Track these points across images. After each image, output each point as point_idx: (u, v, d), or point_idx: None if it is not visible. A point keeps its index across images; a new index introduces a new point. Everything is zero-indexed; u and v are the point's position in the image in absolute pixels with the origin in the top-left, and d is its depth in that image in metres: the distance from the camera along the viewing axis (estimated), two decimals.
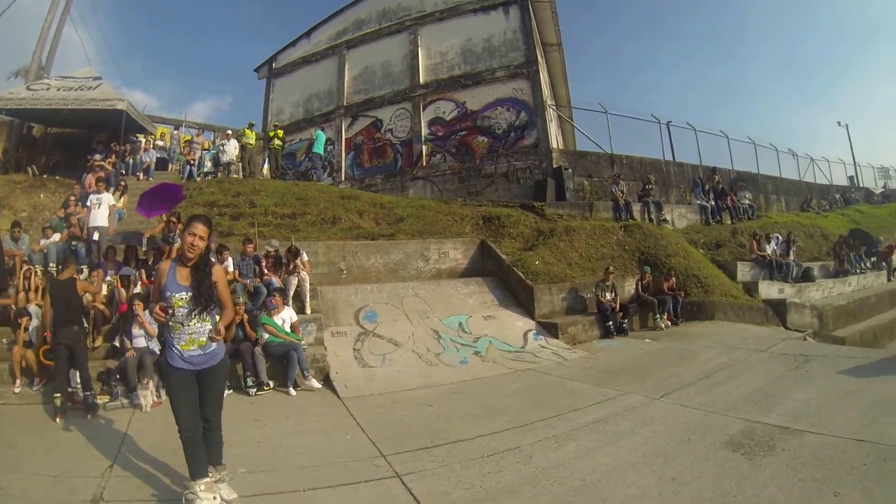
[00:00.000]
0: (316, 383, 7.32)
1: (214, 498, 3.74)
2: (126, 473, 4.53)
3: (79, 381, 6.56)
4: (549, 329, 9.76)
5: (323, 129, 19.96)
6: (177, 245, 8.91)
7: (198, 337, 3.79)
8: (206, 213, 9.32)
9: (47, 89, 16.70)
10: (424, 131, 19.87)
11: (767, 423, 5.04)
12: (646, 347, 9.38)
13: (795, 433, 4.66)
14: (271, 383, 7.28)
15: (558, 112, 20.97)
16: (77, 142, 18.35)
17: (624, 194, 15.53)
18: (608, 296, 10.51)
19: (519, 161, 17.77)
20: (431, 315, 9.65)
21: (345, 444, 5.07)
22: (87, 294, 7.34)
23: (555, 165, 16.93)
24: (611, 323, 10.22)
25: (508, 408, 5.99)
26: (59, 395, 6.24)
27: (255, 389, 7.10)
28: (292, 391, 7.11)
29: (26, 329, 7.34)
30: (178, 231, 9.50)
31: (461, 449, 4.72)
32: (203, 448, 3.78)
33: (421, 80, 20.32)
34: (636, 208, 15.45)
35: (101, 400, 6.73)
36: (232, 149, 16.92)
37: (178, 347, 3.78)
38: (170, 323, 3.79)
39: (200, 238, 3.82)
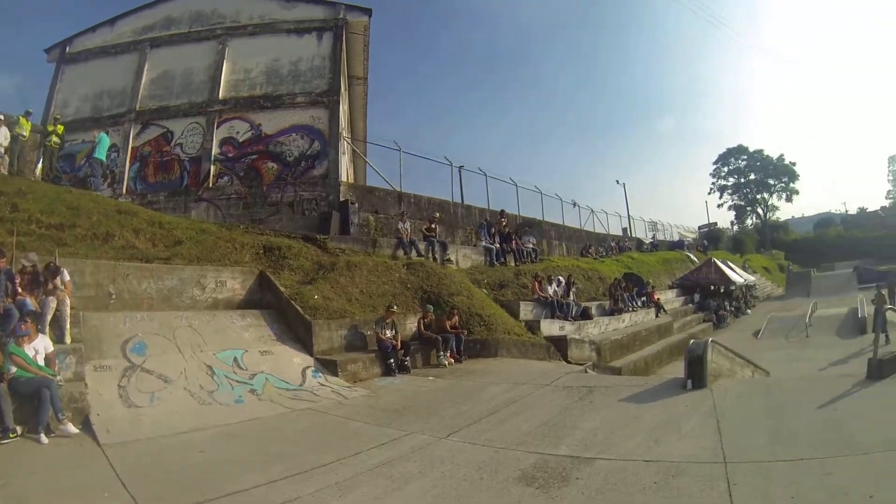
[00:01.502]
0: (72, 428, 6.32)
1: None
2: None
3: None
4: (329, 366, 9.71)
5: (108, 133, 18.10)
6: None
7: None
8: None
9: None
10: (215, 150, 19.45)
11: (559, 454, 5.21)
12: (430, 385, 9.59)
13: (587, 461, 4.92)
14: (18, 429, 6.07)
15: (352, 146, 21.75)
16: None
17: (409, 232, 16.39)
18: (388, 333, 10.76)
19: (306, 191, 18.11)
20: (206, 348, 9.05)
21: None
22: None
23: (342, 199, 17.45)
24: (392, 360, 10.37)
25: (287, 452, 5.67)
26: None
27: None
28: (43, 438, 6.02)
29: None
30: None
31: (238, 501, 4.38)
32: None
33: (220, 95, 19.92)
34: (421, 246, 16.21)
35: None
36: (2, 137, 14.79)
37: None
38: None
39: None
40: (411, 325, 12.14)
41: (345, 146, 19.70)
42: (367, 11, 20.49)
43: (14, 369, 6.41)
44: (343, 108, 19.64)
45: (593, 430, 5.99)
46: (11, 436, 5.95)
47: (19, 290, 7.84)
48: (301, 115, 19.05)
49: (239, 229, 14.45)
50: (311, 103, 19.02)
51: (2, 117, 15.69)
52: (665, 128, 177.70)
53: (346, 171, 19.97)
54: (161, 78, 20.86)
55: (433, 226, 17.51)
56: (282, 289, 11.39)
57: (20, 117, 15.90)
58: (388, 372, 10.34)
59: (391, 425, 6.77)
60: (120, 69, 21.28)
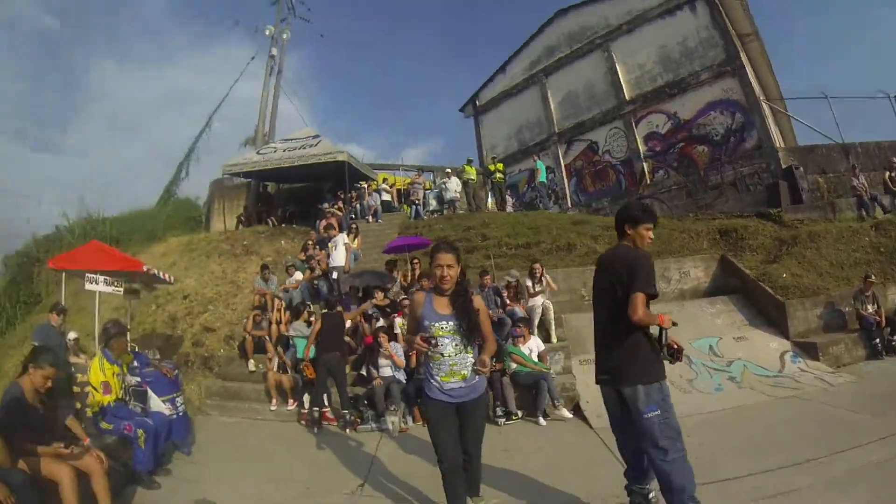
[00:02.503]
0: (566, 413, 7.17)
1: None
2: (377, 493, 4.78)
3: (333, 400, 7.77)
4: (807, 350, 8.84)
5: (540, 158, 20.19)
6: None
7: (459, 369, 3.57)
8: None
9: (274, 151, 18.94)
10: (642, 148, 19.61)
11: None
12: None
13: None
14: (520, 413, 7.25)
15: (772, 106, 19.62)
16: (306, 194, 20.98)
17: (867, 187, 13.87)
18: (869, 308, 9.34)
19: (744, 167, 16.81)
20: (680, 338, 8.98)
21: (601, 475, 4.83)
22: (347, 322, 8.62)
23: (783, 165, 15.71)
24: (878, 340, 8.89)
25: (774, 442, 5.38)
26: (316, 408, 7.45)
27: (503, 419, 7.11)
28: (542, 421, 7.01)
29: (281, 356, 8.70)
30: (416, 273, 10.91)
31: (731, 488, 4.25)
32: (462, 481, 3.64)
33: (627, 97, 20.08)
34: (885, 201, 13.73)
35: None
36: (454, 185, 17.82)
37: (438, 379, 3.60)
38: (428, 353, 3.59)
39: (448, 266, 3.62)
40: (892, 295, 10.31)
41: (766, 110, 17.84)
42: None
43: (514, 366, 7.67)
44: (749, 71, 17.89)
45: None
46: (514, 418, 7.18)
47: (507, 301, 9.34)
48: (712, 92, 18.02)
49: (689, 218, 14.41)
50: (715, 77, 17.83)
51: (449, 170, 19.05)
52: None
53: (775, 136, 18.06)
54: (566, 98, 22.31)
55: (894, 174, 14.38)
56: (746, 271, 10.88)
57: (464, 166, 18.80)
58: (873, 354, 8.84)
59: (887, 415, 5.81)
60: (527, 104, 23.81)
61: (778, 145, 16.97)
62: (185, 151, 27.69)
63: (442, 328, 3.55)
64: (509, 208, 19.25)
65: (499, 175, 18.85)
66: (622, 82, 20.25)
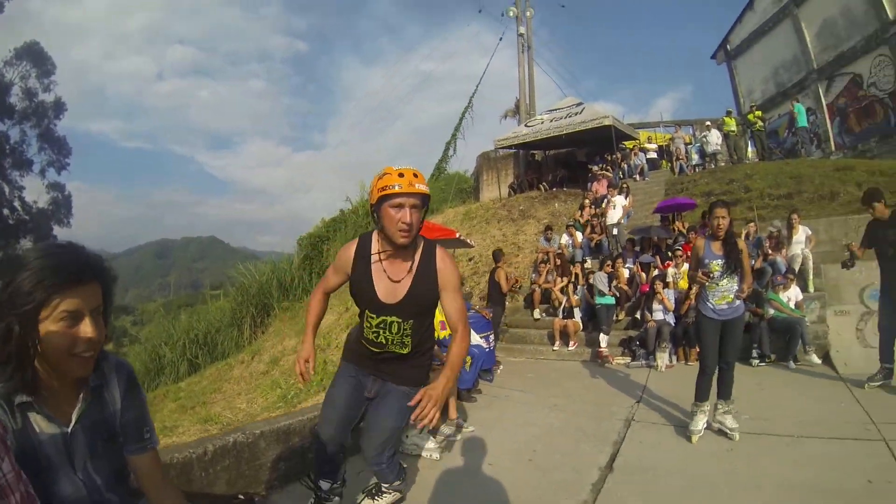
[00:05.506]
0: (816, 359, 7.55)
1: (703, 413, 4.80)
2: (647, 408, 5.83)
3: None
4: None
5: (799, 101, 18.68)
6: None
7: (727, 294, 4.65)
8: (705, 203, 10.83)
9: (542, 123, 20.23)
10: None
11: None
12: None
13: None
14: (772, 356, 7.83)
15: None
16: (572, 159, 22.31)
17: None
18: None
19: None
20: None
21: (840, 410, 5.37)
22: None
23: None
24: None
25: None
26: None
27: (757, 361, 7.74)
28: (791, 364, 7.54)
29: (560, 304, 9.91)
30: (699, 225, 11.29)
31: None
32: (708, 383, 4.78)
33: (890, 15, 17.05)
34: None
35: (624, 360, 8.64)
36: (714, 138, 17.76)
37: (712, 303, 4.69)
38: (706, 283, 4.66)
39: (723, 218, 4.64)
40: None
41: None
42: None
43: (771, 311, 8.20)
44: None
45: None
46: (767, 360, 7.80)
47: (769, 251, 9.74)
48: None
49: None
50: None
51: (708, 123, 19.11)
52: None
53: None
54: (822, 28, 20.06)
55: None
56: None
57: (724, 118, 18.73)
58: None
59: None
60: (781, 41, 22.22)
61: None
62: (452, 131, 30.83)
63: (717, 264, 4.67)
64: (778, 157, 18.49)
65: (759, 123, 18.35)
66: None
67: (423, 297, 2.79)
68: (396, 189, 2.55)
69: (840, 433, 4.67)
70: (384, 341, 2.83)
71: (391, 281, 2.76)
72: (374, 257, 2.79)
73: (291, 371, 12.33)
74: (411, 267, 2.77)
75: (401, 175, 2.58)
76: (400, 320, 2.78)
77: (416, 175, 2.64)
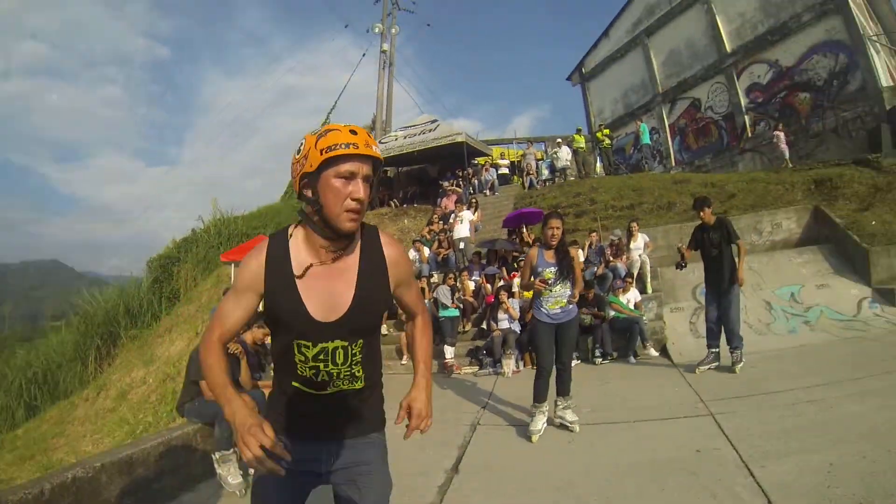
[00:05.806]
0: (654, 352, 8.20)
1: (543, 413, 4.98)
2: (493, 412, 6.07)
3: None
4: (886, 295, 8.82)
5: (643, 121, 20.27)
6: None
7: (560, 299, 4.90)
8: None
9: (395, 139, 20.61)
10: (744, 101, 19.35)
11: None
12: None
13: None
14: (615, 354, 8.34)
15: (882, 42, 17.78)
16: (425, 175, 22.26)
17: None
18: None
19: (847, 111, 16.16)
20: (764, 287, 9.63)
21: (673, 394, 5.89)
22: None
23: (888, 107, 14.93)
24: None
25: (823, 369, 6.04)
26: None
27: (600, 359, 8.26)
28: (632, 359, 8.07)
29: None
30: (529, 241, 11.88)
31: (770, 398, 5.13)
32: (545, 384, 4.96)
33: (728, 49, 19.70)
34: None
35: (472, 369, 8.79)
36: (564, 154, 18.54)
37: (546, 308, 4.92)
38: (542, 290, 4.92)
39: (557, 228, 4.91)
40: None
41: (877, 47, 16.77)
42: None
43: (612, 313, 8.71)
44: (854, 5, 16.63)
45: None
46: (609, 358, 8.32)
47: (611, 258, 10.39)
48: (814, 34, 17.14)
49: (786, 170, 14.02)
50: (817, 17, 16.96)
51: (559, 140, 20.02)
52: None
53: (886, 74, 16.64)
54: (669, 57, 22.37)
55: None
56: (836, 220, 10.78)
57: (574, 135, 19.63)
58: None
59: None
60: (630, 67, 24.19)
61: (885, 84, 15.87)
62: None
63: (550, 272, 4.90)
64: (623, 171, 19.78)
65: (607, 141, 19.42)
66: (723, 34, 19.92)
67: (373, 302, 1.91)
68: (351, 150, 1.68)
69: (672, 414, 5.11)
70: (327, 377, 1.85)
71: (327, 290, 1.83)
72: (295, 262, 1.84)
73: (140, 405, 11.34)
74: (353, 263, 1.88)
75: (353, 132, 1.71)
76: (346, 343, 1.84)
77: (369, 135, 1.80)
